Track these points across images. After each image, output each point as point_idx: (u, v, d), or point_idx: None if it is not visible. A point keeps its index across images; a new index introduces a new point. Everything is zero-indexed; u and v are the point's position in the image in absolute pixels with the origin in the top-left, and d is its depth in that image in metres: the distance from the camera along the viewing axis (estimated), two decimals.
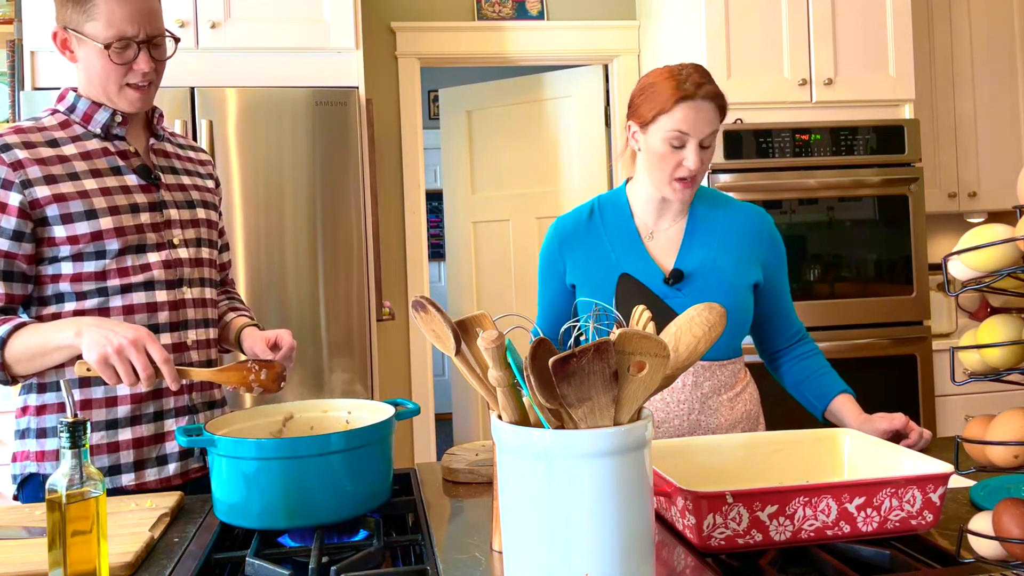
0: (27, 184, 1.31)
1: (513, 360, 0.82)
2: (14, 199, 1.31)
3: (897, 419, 1.43)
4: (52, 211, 1.32)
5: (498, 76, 3.94)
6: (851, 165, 2.92)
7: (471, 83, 3.98)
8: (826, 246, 2.91)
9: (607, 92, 3.61)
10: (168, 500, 1.25)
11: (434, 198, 5.50)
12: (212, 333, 1.50)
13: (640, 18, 3.49)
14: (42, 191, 1.32)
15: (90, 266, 1.34)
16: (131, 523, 1.14)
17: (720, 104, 1.43)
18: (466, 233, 4.02)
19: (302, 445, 1.09)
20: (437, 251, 5.86)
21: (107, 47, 1.32)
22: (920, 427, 1.45)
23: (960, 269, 0.93)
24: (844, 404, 1.50)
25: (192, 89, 2.54)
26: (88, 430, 0.93)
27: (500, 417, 0.86)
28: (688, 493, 0.95)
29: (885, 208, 2.94)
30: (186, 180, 1.50)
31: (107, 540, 0.94)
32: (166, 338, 1.40)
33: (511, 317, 0.97)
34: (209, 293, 1.50)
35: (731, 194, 2.83)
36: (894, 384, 2.93)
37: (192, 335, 1.44)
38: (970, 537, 0.91)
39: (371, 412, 1.28)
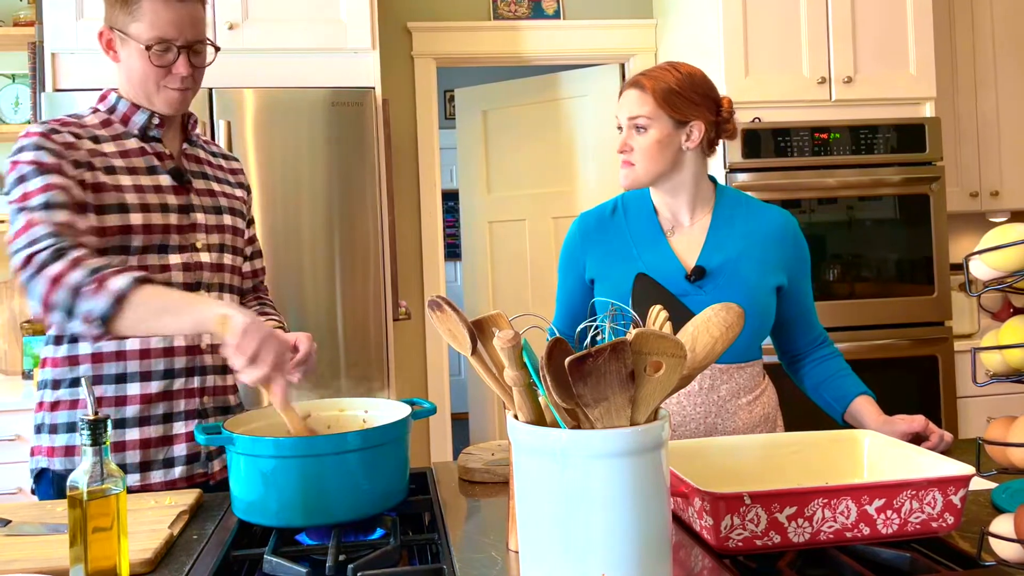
0: (77, 164, 1.34)
1: (529, 360, 0.82)
2: (70, 169, 1.32)
3: (917, 421, 1.41)
4: (89, 198, 1.34)
5: (514, 76, 3.94)
6: (871, 164, 2.89)
7: (487, 83, 3.98)
8: (846, 246, 2.88)
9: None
10: (187, 498, 1.26)
11: (450, 198, 5.51)
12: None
13: (657, 16, 3.47)
14: (85, 176, 1.34)
15: (113, 261, 1.35)
16: (151, 520, 1.15)
17: (641, 86, 1.47)
18: (482, 233, 4.03)
19: (319, 444, 1.10)
20: (453, 251, 5.87)
21: (148, 48, 1.36)
22: (941, 429, 1.43)
23: (982, 269, 0.92)
24: (864, 406, 1.48)
25: (210, 90, 2.56)
26: (109, 427, 0.94)
27: (516, 417, 0.86)
28: (705, 494, 0.95)
29: (906, 207, 2.91)
30: (215, 187, 1.52)
31: (127, 537, 0.95)
32: (179, 340, 1.41)
33: (527, 317, 0.97)
34: (228, 299, 1.51)
35: (749, 193, 2.81)
36: (915, 385, 2.90)
37: (207, 338, 1.44)
38: (991, 540, 0.90)
39: (388, 411, 1.28)
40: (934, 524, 0.97)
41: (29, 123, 2.88)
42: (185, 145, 1.50)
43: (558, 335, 0.79)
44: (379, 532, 1.14)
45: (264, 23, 2.66)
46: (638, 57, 3.50)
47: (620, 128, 1.51)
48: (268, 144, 2.60)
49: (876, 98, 2.95)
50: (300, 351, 1.38)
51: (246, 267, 1.62)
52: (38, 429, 1.42)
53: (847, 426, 1.48)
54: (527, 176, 3.88)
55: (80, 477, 0.92)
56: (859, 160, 2.89)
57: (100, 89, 2.50)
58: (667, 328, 0.93)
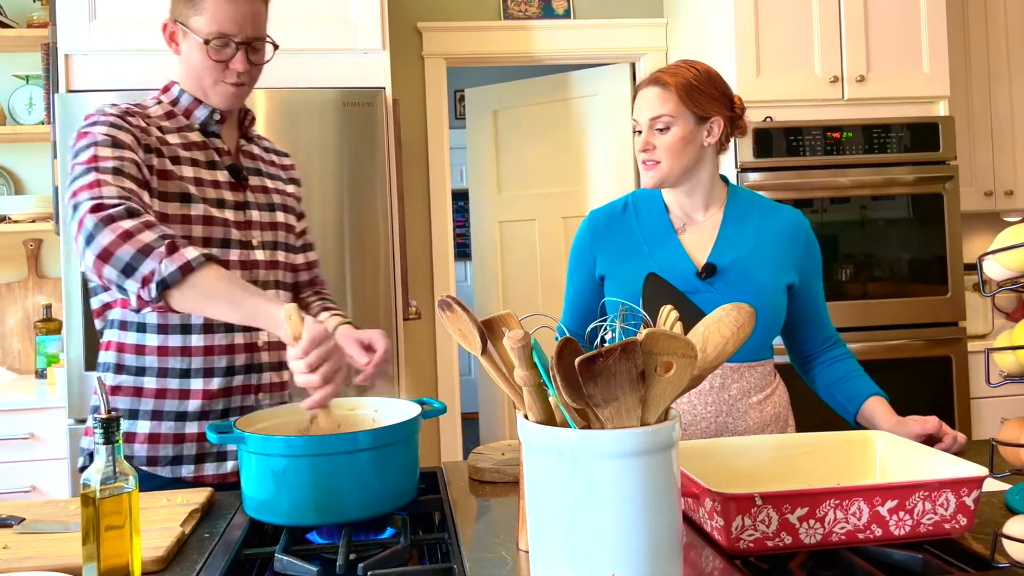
0: (148, 148, 1.36)
1: (539, 360, 0.82)
2: (141, 153, 1.34)
3: (930, 422, 1.40)
4: (154, 183, 1.35)
5: (524, 75, 3.94)
6: (884, 163, 2.87)
7: (497, 83, 3.98)
8: (859, 246, 2.87)
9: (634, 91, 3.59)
10: (199, 496, 1.27)
11: (460, 198, 5.51)
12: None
13: (668, 16, 3.46)
14: (153, 161, 1.36)
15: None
16: (163, 518, 1.16)
17: (663, 84, 1.47)
18: (492, 232, 4.03)
19: (330, 443, 1.10)
20: (463, 250, 5.87)
21: (206, 43, 1.37)
22: (954, 430, 1.42)
23: (995, 269, 0.91)
24: (876, 407, 1.47)
25: None
26: (121, 426, 0.95)
27: (526, 417, 0.86)
28: (716, 495, 0.94)
29: (919, 207, 2.89)
30: (269, 183, 1.54)
31: (139, 535, 0.96)
32: (239, 337, 1.42)
33: (537, 316, 0.97)
34: (283, 296, 1.52)
35: (760, 193, 2.80)
36: (928, 386, 2.88)
37: (264, 336, 1.45)
38: (1005, 542, 0.89)
39: (398, 411, 1.28)
40: (947, 525, 0.97)
41: (43, 124, 2.90)
42: (242, 141, 1.52)
43: (568, 335, 0.79)
44: (389, 531, 1.15)
45: (275, 24, 2.64)
46: (648, 57, 3.49)
47: (639, 131, 1.50)
48: (279, 144, 2.60)
49: (889, 97, 2.93)
50: (377, 351, 1.34)
51: (300, 259, 1.63)
52: (93, 411, 1.44)
53: (860, 427, 1.47)
54: (537, 176, 3.88)
55: (93, 475, 0.92)
56: (872, 159, 2.87)
57: (114, 90, 2.54)
58: (677, 328, 0.93)
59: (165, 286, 1.17)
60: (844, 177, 2.85)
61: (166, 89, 1.48)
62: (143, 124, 1.38)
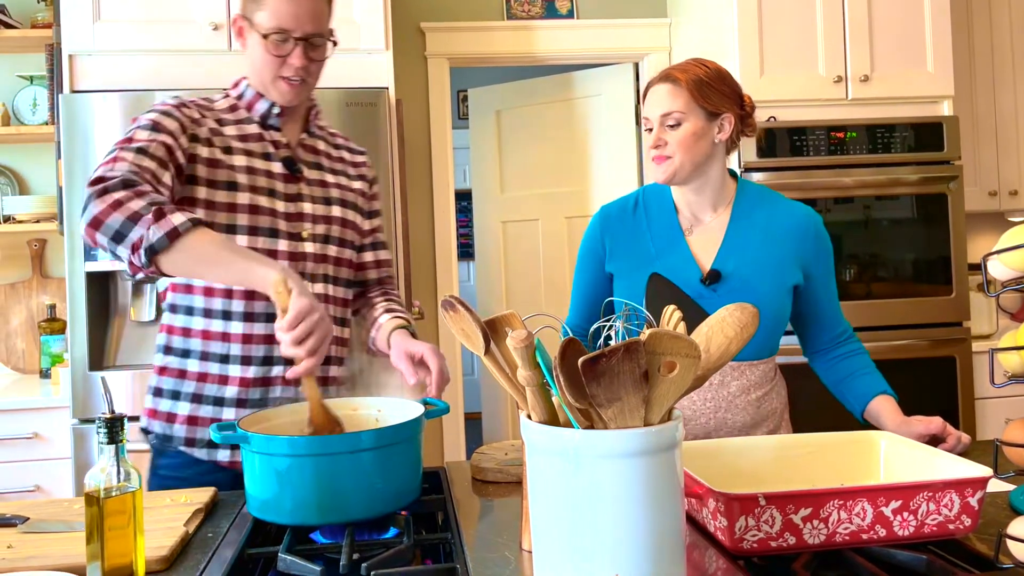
0: (194, 138, 1.40)
1: (542, 360, 0.82)
2: (183, 140, 1.38)
3: (935, 423, 1.40)
4: (202, 172, 1.39)
5: (527, 75, 3.94)
6: (888, 163, 2.87)
7: (500, 83, 3.98)
8: (863, 246, 2.86)
9: (638, 91, 3.59)
10: (202, 496, 1.27)
11: (463, 198, 5.51)
12: (333, 330, 1.50)
13: (671, 15, 3.46)
14: (201, 150, 1.40)
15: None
16: (166, 518, 1.16)
17: (674, 80, 1.48)
18: (495, 233, 4.03)
19: (333, 442, 1.10)
20: (466, 251, 5.87)
21: (265, 37, 1.40)
22: (958, 431, 1.42)
23: (1000, 269, 0.91)
24: (883, 406, 1.47)
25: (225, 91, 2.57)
26: (125, 426, 0.95)
27: (529, 417, 0.86)
28: (720, 495, 0.94)
29: (923, 207, 2.88)
30: (329, 178, 1.54)
31: (143, 534, 0.96)
32: None
33: (540, 316, 0.97)
34: (333, 290, 1.52)
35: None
36: (933, 386, 2.87)
37: None
38: (1009, 542, 0.89)
39: (401, 410, 1.28)
40: (951, 526, 0.96)
41: (47, 124, 2.91)
42: (303, 135, 1.53)
43: (571, 335, 0.79)
44: (393, 531, 1.15)
45: None
46: (652, 56, 3.48)
47: (649, 128, 1.51)
48: None
49: (893, 97, 2.92)
50: (432, 371, 1.35)
51: (368, 257, 1.63)
52: (148, 389, 1.48)
53: (866, 424, 1.47)
54: (540, 176, 3.88)
55: (96, 475, 0.92)
56: (876, 159, 2.86)
57: (118, 91, 2.55)
58: (681, 328, 0.93)
59: (153, 251, 1.20)
60: (848, 177, 2.84)
61: (235, 84, 1.52)
62: (197, 116, 1.42)
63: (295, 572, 0.99)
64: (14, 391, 2.68)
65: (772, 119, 2.85)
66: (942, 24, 2.93)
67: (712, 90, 1.48)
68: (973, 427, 2.91)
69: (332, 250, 1.52)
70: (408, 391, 1.38)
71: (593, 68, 3.69)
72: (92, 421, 2.46)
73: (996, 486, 1.21)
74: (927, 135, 2.88)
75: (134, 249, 1.21)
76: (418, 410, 1.23)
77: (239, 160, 1.43)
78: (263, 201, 1.43)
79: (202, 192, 1.39)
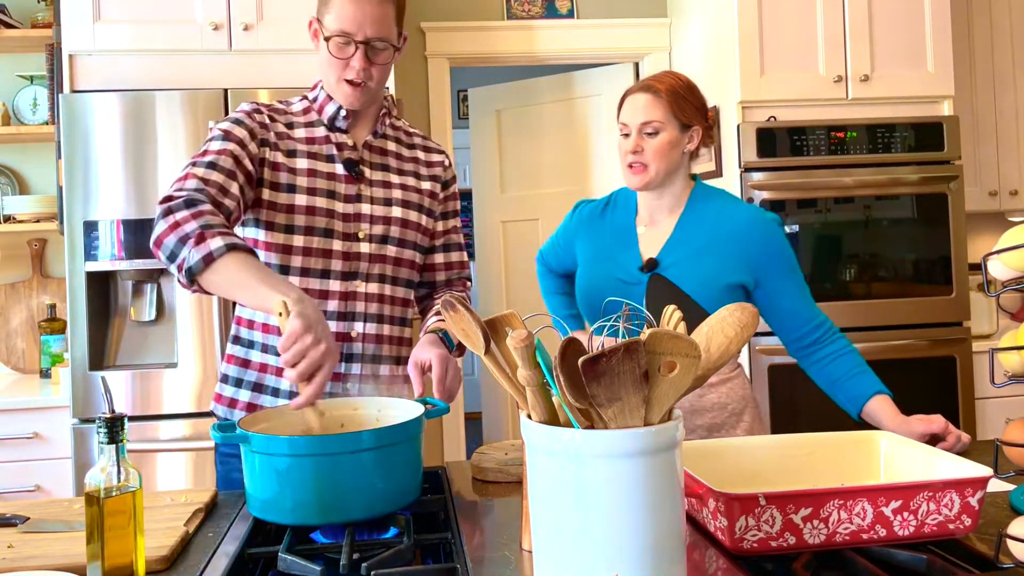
0: (264, 143, 1.45)
1: (543, 359, 0.82)
2: (252, 147, 1.43)
3: (936, 422, 1.40)
4: (267, 174, 1.45)
5: (528, 75, 3.94)
6: (888, 163, 2.87)
7: (500, 82, 3.98)
8: (863, 245, 2.86)
9: None
10: (203, 496, 1.27)
11: (463, 197, 5.51)
12: (387, 329, 1.53)
13: (671, 15, 3.46)
14: (269, 154, 1.45)
15: (279, 237, 1.45)
16: (167, 518, 1.16)
17: (654, 91, 1.57)
18: (495, 232, 4.03)
19: (333, 442, 1.10)
20: (466, 250, 5.87)
21: (328, 39, 1.43)
22: (958, 430, 1.42)
23: (1000, 269, 0.91)
24: (881, 406, 1.47)
25: (225, 91, 2.57)
26: (125, 426, 0.95)
27: (530, 416, 0.86)
28: (720, 495, 0.94)
29: (923, 207, 2.88)
30: (394, 179, 1.55)
31: (143, 534, 0.96)
32: (334, 325, 1.46)
33: (540, 316, 0.97)
34: (391, 290, 1.53)
35: (764, 193, 2.80)
36: (933, 386, 2.87)
37: (359, 327, 1.49)
38: (1009, 542, 0.89)
39: (401, 410, 1.28)
40: (951, 526, 0.96)
41: (47, 124, 2.91)
42: (370, 137, 1.55)
43: (571, 334, 0.79)
44: (393, 531, 1.15)
45: (279, 24, 2.67)
46: (652, 56, 3.48)
47: (626, 134, 1.60)
48: None
49: (893, 96, 2.92)
50: (434, 378, 1.38)
51: (438, 259, 1.65)
52: (218, 375, 1.57)
53: (863, 424, 1.47)
54: (541, 175, 3.88)
55: (97, 475, 0.92)
56: (876, 159, 2.86)
57: (118, 90, 2.55)
58: (681, 328, 0.93)
59: (192, 273, 1.26)
60: (848, 177, 2.84)
61: (314, 87, 1.56)
62: (267, 120, 1.48)
63: (295, 572, 0.99)
64: (14, 391, 2.68)
65: (772, 119, 2.85)
66: (942, 24, 2.93)
67: (687, 103, 1.58)
68: (973, 427, 2.91)
69: (391, 250, 1.53)
70: (410, 396, 1.40)
71: (593, 68, 3.69)
72: (92, 421, 2.46)
73: (996, 486, 1.21)
74: (927, 135, 2.88)
75: (179, 269, 1.27)
76: (418, 410, 1.23)
77: (302, 163, 1.47)
78: (320, 202, 1.46)
79: (265, 194, 1.44)
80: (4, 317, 3.04)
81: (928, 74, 2.93)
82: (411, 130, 1.65)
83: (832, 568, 0.97)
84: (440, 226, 1.65)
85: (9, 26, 2.90)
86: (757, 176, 2.82)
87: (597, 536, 0.78)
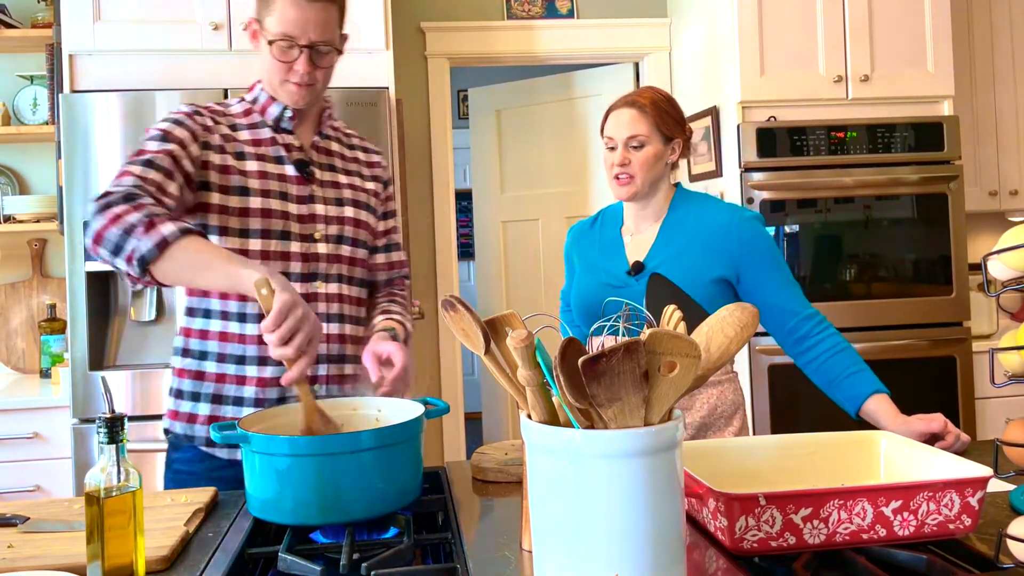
0: (206, 145, 1.42)
1: (543, 359, 0.82)
2: (194, 149, 1.40)
3: (935, 422, 1.40)
4: (214, 178, 1.41)
5: (528, 75, 3.94)
6: (888, 163, 2.87)
7: (500, 82, 3.98)
8: (863, 245, 2.86)
9: None
10: (203, 496, 1.27)
11: (463, 197, 5.51)
12: (348, 329, 1.52)
13: (671, 15, 3.46)
14: (213, 157, 1.42)
15: (234, 242, 1.41)
16: (167, 518, 1.16)
17: (639, 106, 1.63)
18: (495, 232, 4.03)
19: (333, 442, 1.10)
20: (466, 250, 5.87)
21: (271, 43, 1.41)
22: (957, 429, 1.42)
23: (1000, 269, 0.91)
24: (880, 405, 1.47)
25: (226, 91, 2.57)
26: (125, 426, 0.95)
27: (530, 416, 0.86)
28: (720, 495, 0.94)
29: (924, 207, 2.88)
30: (342, 179, 1.55)
31: (143, 534, 0.96)
32: None
33: (540, 316, 0.97)
34: (347, 289, 1.53)
35: (764, 193, 2.80)
36: (933, 386, 2.87)
37: (323, 328, 1.46)
38: (1009, 542, 0.89)
39: (401, 410, 1.28)
40: (951, 526, 0.96)
41: (47, 124, 2.91)
42: (316, 137, 1.54)
43: (571, 335, 0.79)
44: (393, 531, 1.15)
45: None
46: (652, 56, 3.48)
47: (612, 148, 1.66)
48: None
49: (893, 96, 2.92)
50: (395, 366, 1.37)
51: (380, 259, 1.64)
52: (169, 391, 1.51)
53: (861, 423, 1.47)
54: (541, 176, 3.87)
55: (97, 475, 0.92)
56: (876, 159, 2.86)
57: (118, 90, 2.55)
58: (681, 328, 0.93)
59: (145, 261, 1.22)
60: (848, 177, 2.84)
61: (251, 88, 1.53)
62: (210, 123, 1.44)
63: (295, 572, 0.99)
64: (14, 391, 2.68)
65: (772, 119, 2.85)
66: (942, 24, 2.93)
67: (669, 117, 1.66)
68: (973, 427, 2.91)
69: (345, 250, 1.53)
70: (372, 389, 1.39)
71: (593, 68, 3.69)
72: (92, 421, 2.46)
73: (996, 486, 1.21)
74: (927, 135, 2.88)
75: (129, 260, 1.23)
76: (418, 410, 1.23)
77: (251, 165, 1.45)
78: (275, 204, 1.44)
79: (215, 198, 1.41)
80: (4, 317, 3.04)
81: (928, 74, 2.93)
82: (348, 131, 1.64)
83: (832, 568, 0.97)
84: (381, 226, 1.64)
85: (9, 26, 2.90)
86: (757, 176, 2.82)
87: (597, 536, 0.78)
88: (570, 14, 3.46)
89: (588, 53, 3.48)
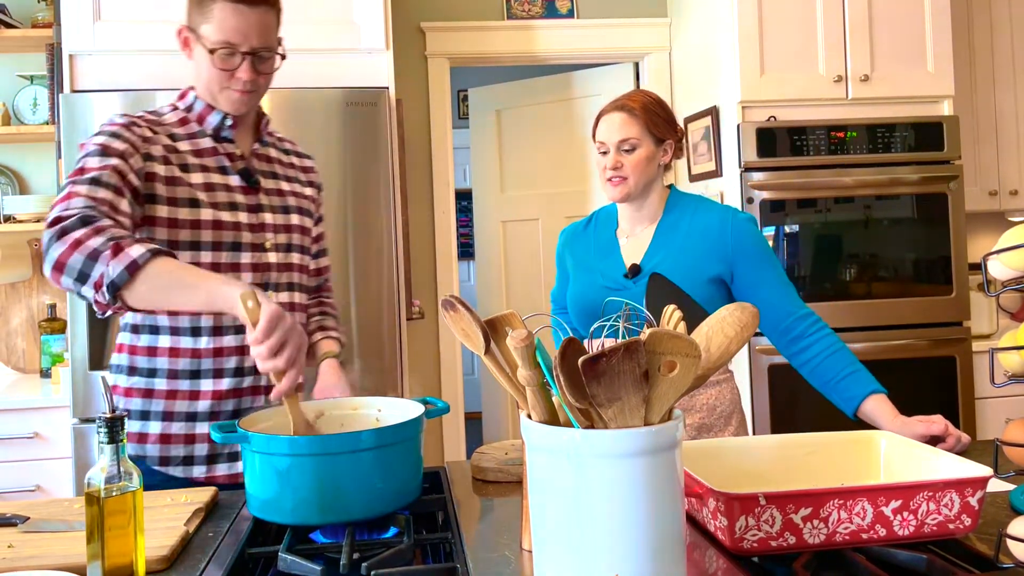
0: (148, 157, 1.37)
1: (543, 359, 0.82)
2: (136, 161, 1.35)
3: (936, 424, 1.40)
4: (161, 190, 1.37)
5: (528, 75, 3.94)
6: (888, 163, 2.87)
7: (500, 82, 3.98)
8: (863, 245, 2.86)
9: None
10: (203, 495, 1.27)
11: (463, 197, 5.51)
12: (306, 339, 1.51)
13: (671, 15, 3.46)
14: (158, 168, 1.37)
15: (184, 256, 1.37)
16: (167, 517, 1.16)
17: (629, 110, 1.65)
18: (495, 232, 4.03)
19: (334, 442, 1.10)
20: (466, 250, 5.87)
21: (212, 52, 1.38)
22: (958, 431, 1.42)
23: (1000, 269, 0.91)
24: (877, 405, 1.47)
25: None
26: (125, 425, 0.95)
27: (530, 416, 0.86)
28: (720, 494, 0.94)
29: (924, 206, 2.88)
30: (285, 186, 1.54)
31: (143, 534, 0.96)
32: (250, 338, 1.41)
33: (540, 316, 0.97)
34: (298, 297, 1.53)
35: (764, 193, 2.80)
36: (933, 386, 2.87)
37: None
38: (1009, 542, 0.89)
39: (401, 410, 1.28)
40: (951, 526, 0.96)
41: (47, 124, 2.91)
42: (256, 145, 1.52)
43: (571, 335, 0.79)
44: (393, 531, 1.15)
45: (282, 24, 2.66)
46: (652, 56, 3.48)
47: (604, 152, 1.67)
48: None
49: (893, 96, 2.92)
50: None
51: (311, 265, 1.63)
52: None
53: (863, 424, 1.47)
54: (541, 175, 3.87)
55: (97, 474, 0.92)
56: (876, 159, 2.86)
57: (118, 90, 2.55)
58: (681, 328, 0.93)
59: (116, 287, 1.18)
60: (848, 177, 2.84)
61: (182, 96, 1.49)
62: (149, 133, 1.39)
63: (295, 572, 0.99)
64: (14, 391, 2.68)
65: (772, 119, 2.85)
66: (942, 23, 2.93)
67: (660, 119, 1.67)
68: (973, 427, 2.91)
69: (295, 258, 1.52)
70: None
71: (593, 68, 3.69)
72: (92, 421, 2.46)
73: (996, 486, 1.21)
74: (927, 135, 2.88)
75: (97, 287, 1.19)
76: (418, 410, 1.23)
77: (197, 177, 1.41)
78: (225, 216, 1.42)
79: (163, 211, 1.37)
80: (4, 317, 3.04)
81: (928, 74, 2.93)
82: (281, 136, 1.63)
83: (832, 568, 0.97)
84: (315, 231, 1.63)
85: (9, 26, 2.90)
86: (757, 176, 2.82)
87: (597, 536, 0.78)
88: (570, 14, 3.46)
89: (588, 53, 3.48)
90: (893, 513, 0.95)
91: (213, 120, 1.46)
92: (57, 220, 1.22)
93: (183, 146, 1.43)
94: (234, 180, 1.45)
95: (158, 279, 1.20)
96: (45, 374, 2.88)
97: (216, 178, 1.43)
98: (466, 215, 5.85)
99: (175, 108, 1.48)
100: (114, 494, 0.92)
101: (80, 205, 1.25)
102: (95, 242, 1.19)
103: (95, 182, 1.28)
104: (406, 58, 3.32)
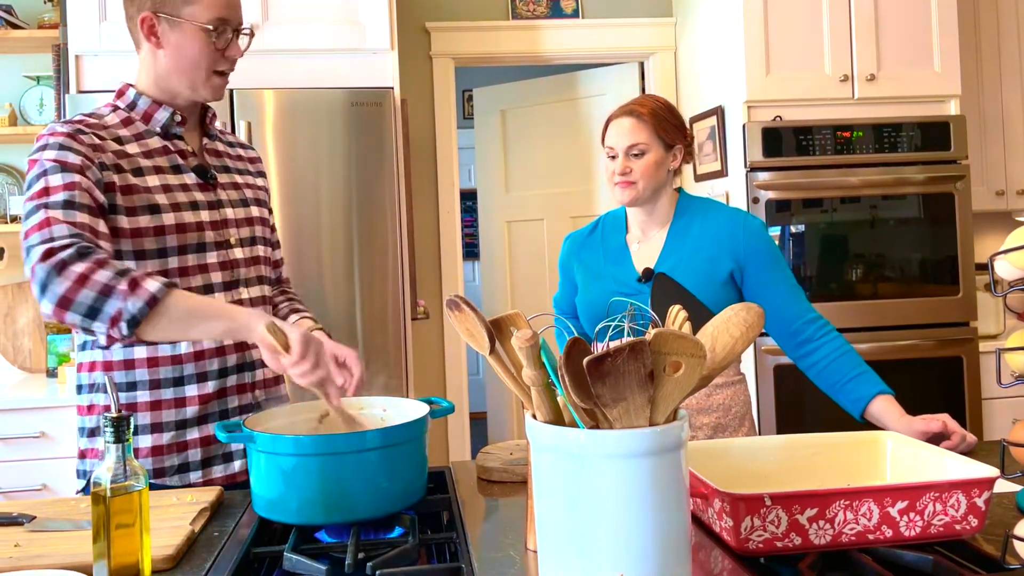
0: (103, 167, 1.32)
1: (547, 359, 0.82)
2: (93, 174, 1.29)
3: (935, 422, 1.40)
4: (119, 200, 1.32)
5: (533, 75, 3.94)
6: (895, 163, 2.86)
7: (505, 82, 3.98)
8: (869, 245, 2.85)
9: (643, 90, 3.58)
10: (208, 495, 1.27)
11: (468, 197, 5.51)
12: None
13: (677, 15, 3.46)
14: (113, 178, 1.32)
15: (152, 265, 1.34)
16: (172, 517, 1.16)
17: (638, 115, 1.65)
18: (500, 232, 4.03)
19: (339, 442, 1.10)
20: (471, 250, 5.87)
21: (207, 30, 1.35)
22: (964, 429, 1.42)
23: (1007, 269, 0.90)
24: (885, 406, 1.47)
25: (231, 91, 2.58)
26: (131, 425, 0.95)
27: (535, 416, 0.86)
28: (725, 495, 0.94)
29: (930, 206, 2.87)
30: (239, 179, 1.52)
31: (149, 533, 0.96)
32: (228, 338, 1.40)
33: (545, 316, 0.97)
34: (268, 291, 1.53)
35: (770, 192, 2.80)
36: (939, 387, 2.86)
37: None
38: (1016, 543, 0.89)
39: (406, 410, 1.29)
40: (957, 527, 0.96)
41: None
42: (205, 140, 1.50)
43: (576, 335, 0.79)
44: (398, 531, 1.15)
45: (284, 24, 2.67)
46: (657, 56, 3.48)
47: (613, 156, 1.68)
48: (288, 145, 2.62)
49: (900, 96, 2.91)
50: (354, 375, 1.33)
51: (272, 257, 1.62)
52: (82, 432, 1.43)
53: (870, 424, 1.47)
54: (545, 175, 3.87)
55: (103, 474, 0.93)
56: (883, 159, 2.85)
57: None
58: (686, 328, 0.93)
59: (135, 323, 1.18)
60: (854, 176, 2.83)
61: (120, 93, 1.43)
62: (96, 140, 1.33)
63: (301, 571, 0.99)
64: (21, 390, 2.69)
65: (778, 118, 2.85)
66: (949, 23, 2.92)
67: (669, 124, 1.68)
68: (980, 427, 2.90)
69: (260, 251, 1.50)
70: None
71: (598, 67, 3.69)
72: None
73: (1003, 486, 1.21)
74: (934, 134, 2.87)
75: (113, 322, 1.17)
76: (423, 410, 1.23)
77: (153, 180, 1.36)
78: (188, 217, 1.37)
79: (124, 222, 1.32)
80: (11, 317, 3.05)
81: (935, 73, 2.92)
82: (222, 129, 1.59)
83: (838, 569, 0.97)
84: (269, 221, 1.61)
85: (16, 27, 2.91)
86: (763, 176, 2.81)
87: (602, 536, 0.78)
88: (575, 14, 3.45)
89: (593, 53, 3.48)
90: (899, 514, 0.95)
91: (161, 117, 1.40)
92: (50, 252, 1.18)
93: (132, 149, 1.36)
94: (190, 178, 1.41)
95: (176, 311, 1.20)
96: (51, 374, 2.89)
97: (172, 179, 1.38)
98: (471, 215, 5.85)
99: (115, 108, 1.42)
100: (120, 493, 0.92)
101: (65, 233, 1.21)
102: (102, 276, 1.18)
103: (70, 205, 1.24)
104: (411, 58, 3.32)
